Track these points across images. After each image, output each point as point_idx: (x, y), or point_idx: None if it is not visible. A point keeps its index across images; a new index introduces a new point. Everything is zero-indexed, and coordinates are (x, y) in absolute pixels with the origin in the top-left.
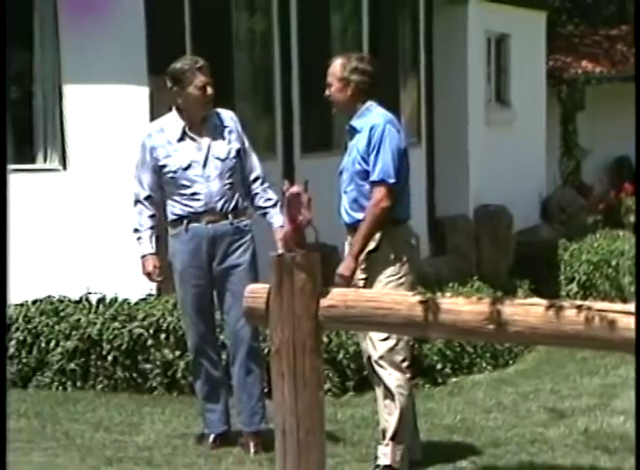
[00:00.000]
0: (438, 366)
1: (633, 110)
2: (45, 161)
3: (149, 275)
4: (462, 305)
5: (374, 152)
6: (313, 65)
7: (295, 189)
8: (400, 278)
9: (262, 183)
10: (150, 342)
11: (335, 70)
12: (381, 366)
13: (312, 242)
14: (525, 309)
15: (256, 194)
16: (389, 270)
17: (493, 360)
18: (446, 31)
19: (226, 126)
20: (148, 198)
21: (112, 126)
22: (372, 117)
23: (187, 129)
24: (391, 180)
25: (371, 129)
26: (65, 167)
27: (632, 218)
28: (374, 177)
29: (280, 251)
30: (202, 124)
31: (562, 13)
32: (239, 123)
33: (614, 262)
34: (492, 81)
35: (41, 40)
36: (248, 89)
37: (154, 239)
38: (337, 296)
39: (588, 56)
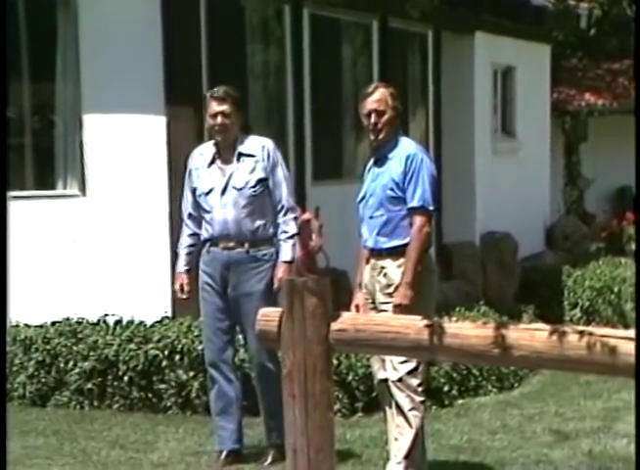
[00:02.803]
0: (445, 388)
1: (634, 141)
2: (65, 187)
3: (179, 291)
4: (469, 330)
5: (412, 180)
6: (325, 95)
7: (306, 216)
8: (417, 303)
9: (285, 214)
10: (165, 363)
11: (387, 98)
12: (398, 388)
13: (323, 267)
14: (531, 334)
15: (278, 225)
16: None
17: (499, 383)
18: (454, 63)
19: (253, 155)
20: (189, 216)
21: (129, 154)
22: (404, 145)
23: (217, 155)
24: (431, 207)
25: (407, 158)
26: (84, 194)
27: (634, 246)
28: (414, 204)
29: (276, 286)
30: (231, 151)
31: (566, 46)
32: (276, 153)
33: (616, 289)
34: (498, 112)
35: (63, 72)
36: (261, 118)
37: (187, 257)
38: (347, 320)
39: (591, 89)
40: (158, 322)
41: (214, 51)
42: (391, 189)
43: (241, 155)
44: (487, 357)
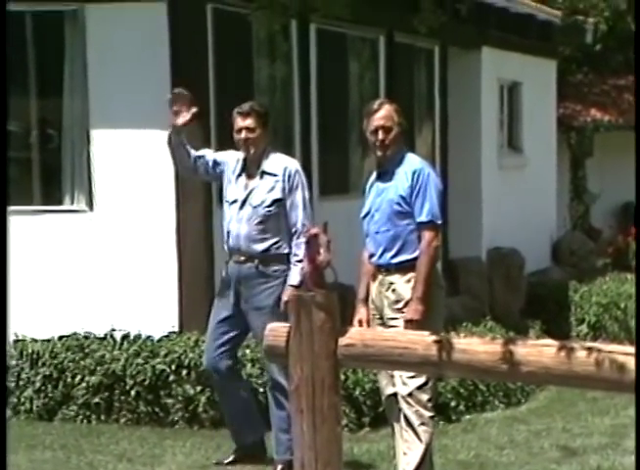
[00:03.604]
0: (453, 404)
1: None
2: (72, 202)
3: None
4: (477, 345)
5: (420, 194)
6: (332, 110)
7: (314, 230)
8: (427, 318)
9: (298, 237)
10: (172, 377)
11: (392, 115)
12: (407, 403)
13: (331, 282)
14: (539, 350)
15: (291, 248)
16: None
17: (506, 399)
18: (460, 78)
19: (275, 174)
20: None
21: (137, 169)
22: (409, 160)
23: (244, 168)
24: (439, 221)
25: (414, 173)
26: (91, 209)
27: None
28: (423, 218)
29: (282, 308)
30: (255, 167)
31: (571, 62)
32: (298, 175)
33: (622, 305)
34: (505, 127)
35: (70, 87)
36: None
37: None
38: (355, 335)
39: (597, 104)
40: (165, 337)
41: (221, 66)
42: (398, 204)
43: (264, 173)
44: (496, 373)
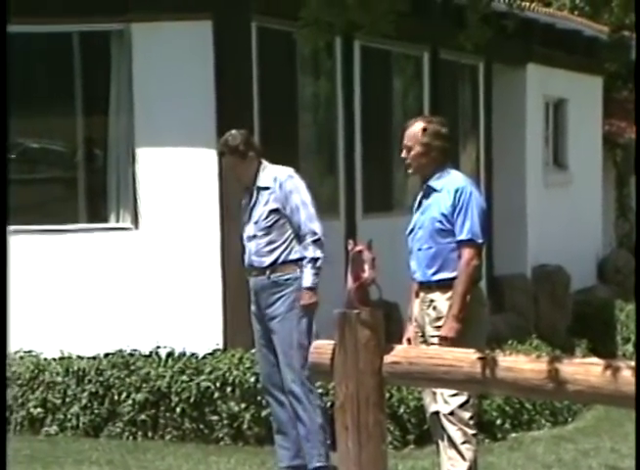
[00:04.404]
0: (498, 422)
1: None
2: (118, 220)
3: None
4: (523, 363)
5: (461, 213)
6: (375, 127)
7: (358, 247)
8: (467, 337)
9: (304, 239)
10: (216, 394)
11: (416, 134)
12: (449, 421)
13: (376, 299)
14: (586, 369)
15: (300, 253)
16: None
17: (552, 417)
18: (505, 95)
19: (267, 188)
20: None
21: (182, 187)
22: (452, 178)
23: (246, 190)
24: (480, 240)
25: (456, 191)
26: (136, 227)
27: None
28: (463, 237)
29: (300, 313)
30: (252, 186)
31: (617, 78)
32: (289, 181)
33: None
34: (550, 144)
35: (117, 106)
36: (312, 150)
37: None
38: (400, 352)
39: None
40: (209, 354)
41: (265, 83)
42: (440, 222)
43: (259, 188)
44: (542, 392)
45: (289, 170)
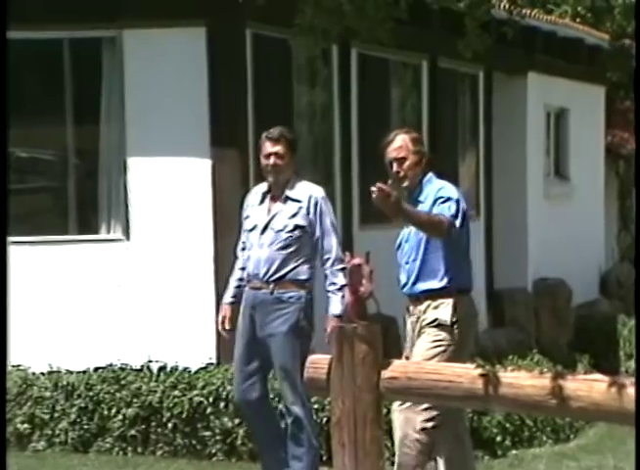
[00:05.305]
0: (498, 438)
1: None
2: (109, 231)
3: (220, 323)
4: (524, 379)
5: (444, 202)
6: (373, 137)
7: (356, 261)
8: (450, 346)
9: (332, 265)
10: (209, 410)
11: (407, 144)
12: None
13: (374, 313)
14: (589, 385)
15: (326, 276)
16: (443, 335)
17: (554, 434)
18: (505, 105)
19: (299, 200)
20: (242, 249)
21: (174, 198)
22: (435, 186)
23: (267, 195)
24: (457, 222)
25: (439, 199)
26: (128, 238)
27: None
28: (447, 213)
29: (326, 340)
30: (280, 193)
31: (620, 88)
32: (324, 203)
33: None
34: (551, 155)
35: (108, 114)
36: (308, 161)
37: (235, 289)
38: (398, 367)
39: None
40: (202, 369)
41: (260, 92)
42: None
43: (288, 198)
44: (544, 408)
45: (322, 191)
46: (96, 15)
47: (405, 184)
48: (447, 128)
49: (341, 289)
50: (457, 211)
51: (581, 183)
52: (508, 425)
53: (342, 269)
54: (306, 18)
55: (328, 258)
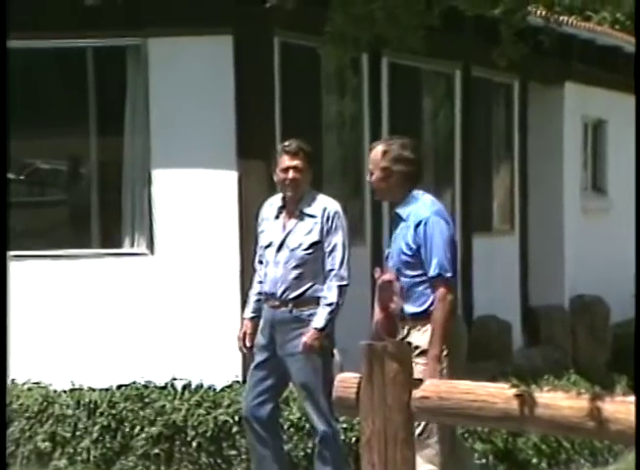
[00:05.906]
0: (534, 460)
1: None
2: (132, 245)
3: (240, 339)
4: (561, 400)
5: (427, 248)
6: None
7: (387, 276)
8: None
9: (331, 280)
10: (234, 429)
11: (376, 158)
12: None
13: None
14: (628, 408)
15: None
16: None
17: (592, 457)
18: (541, 116)
19: (314, 216)
20: (260, 263)
21: (200, 211)
22: (418, 206)
23: (283, 210)
24: (448, 274)
25: (418, 224)
26: (152, 252)
27: None
28: (431, 273)
29: (300, 350)
30: (296, 208)
31: None
32: (338, 217)
33: None
34: (589, 168)
35: (132, 125)
36: (337, 173)
37: (255, 304)
38: (429, 386)
39: None
40: (227, 387)
41: (288, 102)
42: (405, 254)
43: (302, 213)
44: (581, 430)
45: (338, 205)
46: (120, 22)
47: (376, 198)
48: (481, 140)
49: (330, 305)
50: (442, 260)
51: (619, 197)
52: (544, 447)
53: (341, 287)
54: (336, 26)
55: (329, 272)
